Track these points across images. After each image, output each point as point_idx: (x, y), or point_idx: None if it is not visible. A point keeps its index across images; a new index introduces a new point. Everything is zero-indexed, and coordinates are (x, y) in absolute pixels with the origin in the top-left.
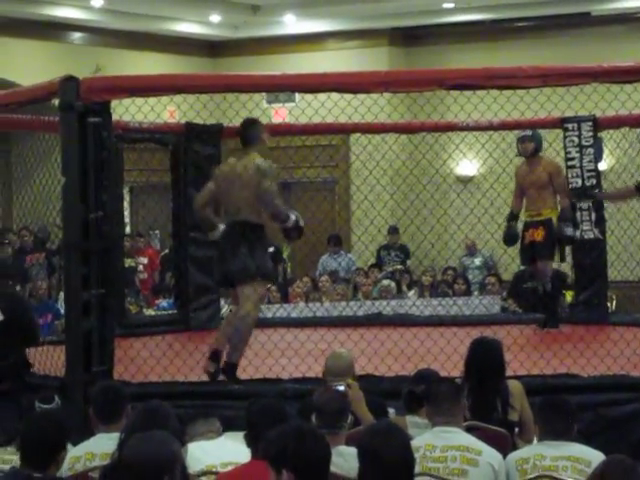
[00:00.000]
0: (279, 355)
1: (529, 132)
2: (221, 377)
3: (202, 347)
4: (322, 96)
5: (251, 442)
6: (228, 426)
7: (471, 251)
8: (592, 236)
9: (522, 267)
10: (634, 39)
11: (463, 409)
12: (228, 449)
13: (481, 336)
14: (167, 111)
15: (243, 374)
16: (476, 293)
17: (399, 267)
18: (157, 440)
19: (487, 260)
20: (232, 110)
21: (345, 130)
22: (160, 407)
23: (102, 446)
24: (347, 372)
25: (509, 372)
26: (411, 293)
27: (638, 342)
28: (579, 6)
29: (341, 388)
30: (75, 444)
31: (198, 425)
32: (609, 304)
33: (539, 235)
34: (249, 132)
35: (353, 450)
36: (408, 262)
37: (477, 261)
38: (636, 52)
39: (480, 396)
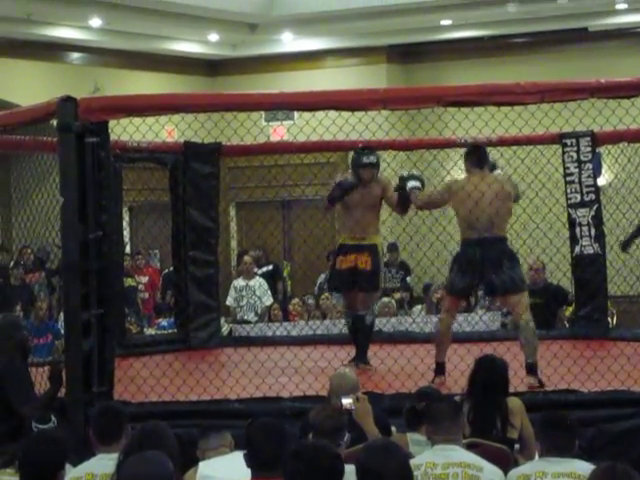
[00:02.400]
0: (279, 374)
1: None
2: None
3: (202, 366)
4: (320, 114)
5: (251, 461)
6: None
7: None
8: (592, 251)
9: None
10: (631, 54)
11: (463, 427)
12: (238, 467)
13: (486, 354)
14: (165, 130)
15: (243, 393)
16: (480, 311)
17: (397, 295)
18: (152, 461)
19: None
20: (230, 129)
21: (343, 148)
22: (158, 427)
23: (102, 467)
24: (352, 391)
25: (510, 389)
26: (417, 308)
27: (639, 357)
28: (576, 22)
29: (349, 401)
30: (75, 465)
31: (210, 440)
32: (609, 319)
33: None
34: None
35: (352, 468)
36: (408, 279)
37: None
38: (633, 67)
39: (481, 413)
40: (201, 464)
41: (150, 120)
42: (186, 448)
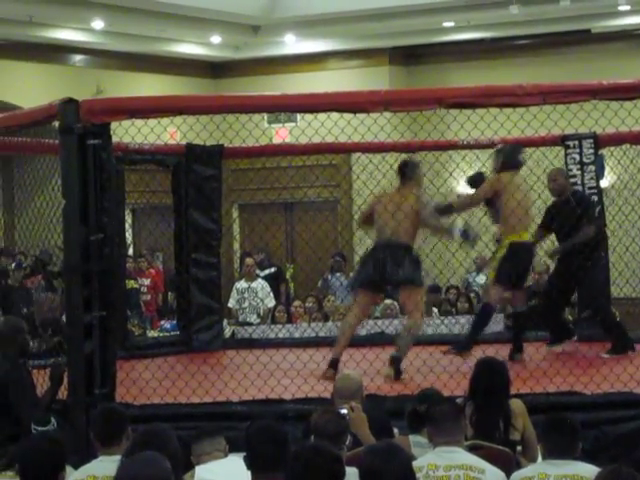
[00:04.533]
0: (281, 376)
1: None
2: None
3: (204, 368)
4: (322, 116)
5: (251, 463)
6: (230, 447)
7: (479, 268)
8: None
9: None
10: (634, 56)
11: (464, 429)
12: (235, 471)
13: (487, 357)
14: (168, 132)
15: (245, 395)
16: None
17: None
18: (150, 462)
19: None
20: (232, 131)
21: (346, 150)
22: (160, 430)
23: (104, 469)
24: (356, 394)
25: (512, 390)
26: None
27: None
28: (579, 23)
29: (344, 411)
30: (77, 467)
31: (204, 444)
32: None
33: None
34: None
35: (354, 470)
36: None
37: (485, 278)
38: (636, 69)
39: (483, 415)
40: (198, 468)
41: (152, 122)
42: (186, 451)
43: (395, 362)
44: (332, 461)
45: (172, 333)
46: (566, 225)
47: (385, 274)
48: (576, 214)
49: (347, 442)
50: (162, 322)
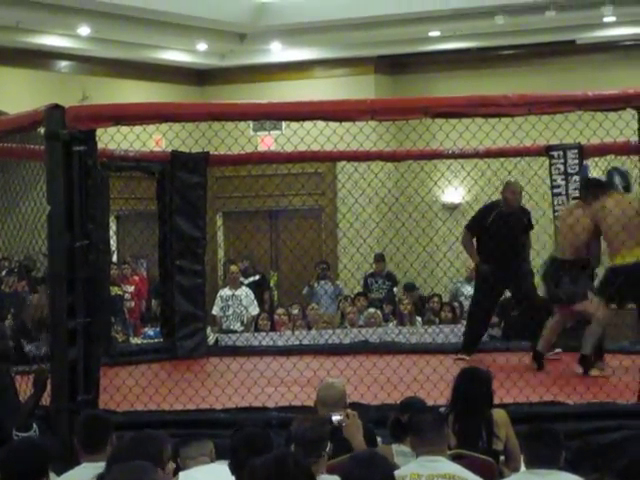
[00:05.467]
0: (265, 383)
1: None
2: None
3: (188, 376)
4: (308, 124)
5: (235, 471)
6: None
7: (469, 278)
8: None
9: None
10: (618, 67)
11: (447, 438)
12: (219, 476)
13: (470, 366)
14: (153, 140)
15: (228, 403)
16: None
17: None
18: (136, 470)
19: None
20: (218, 138)
21: (331, 158)
22: (146, 437)
23: (87, 475)
24: (339, 402)
25: (496, 400)
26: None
27: (624, 369)
28: (564, 34)
29: (339, 418)
30: (60, 473)
31: (191, 448)
32: None
33: None
34: None
35: (335, 478)
36: (395, 289)
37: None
38: (620, 80)
39: (466, 425)
40: (181, 474)
41: (138, 129)
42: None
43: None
44: (305, 472)
45: (156, 340)
46: (513, 234)
47: None
48: (524, 226)
49: (327, 449)
50: (145, 329)
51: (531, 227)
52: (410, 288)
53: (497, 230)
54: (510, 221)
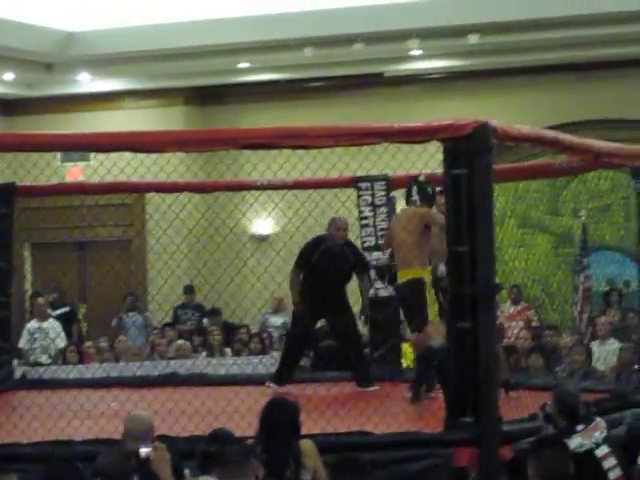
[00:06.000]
0: (72, 416)
1: None
2: None
3: None
4: (115, 155)
5: None
6: None
7: (276, 309)
8: (386, 294)
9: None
10: (424, 99)
11: (255, 470)
12: None
13: (276, 396)
14: None
15: (35, 436)
16: (277, 353)
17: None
18: None
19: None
20: (23, 169)
21: (138, 189)
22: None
23: None
24: (147, 434)
25: (303, 430)
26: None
27: (431, 399)
28: (372, 67)
29: (147, 450)
30: None
31: None
32: (402, 361)
33: None
34: None
35: None
36: (204, 320)
37: (279, 320)
38: (426, 112)
39: (273, 455)
40: None
41: None
42: None
43: None
44: None
45: None
46: (339, 270)
47: None
48: (350, 262)
49: None
50: None
51: (360, 260)
52: (213, 313)
53: (323, 266)
54: (335, 256)
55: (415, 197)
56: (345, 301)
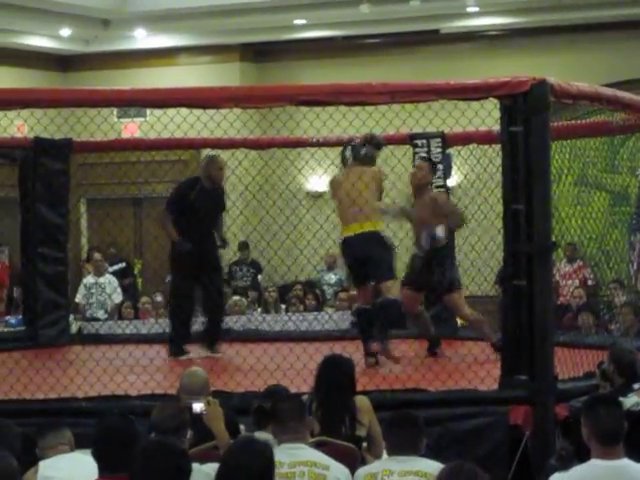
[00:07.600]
0: (128, 372)
1: None
2: None
3: (50, 364)
4: (172, 111)
5: (97, 460)
6: (76, 444)
7: (330, 267)
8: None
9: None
10: (481, 57)
11: (309, 426)
12: (80, 465)
13: (332, 353)
14: (15, 125)
15: (91, 391)
16: (330, 309)
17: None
18: None
19: (341, 277)
20: (80, 125)
21: (194, 145)
22: (3, 425)
23: None
24: (202, 390)
25: (359, 387)
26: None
27: (485, 357)
28: (428, 24)
29: (199, 405)
30: None
31: (48, 438)
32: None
33: None
34: None
35: (197, 467)
36: (259, 277)
37: (334, 277)
38: (483, 70)
39: (329, 412)
40: (41, 464)
41: None
42: (29, 446)
43: None
44: (178, 457)
45: (17, 328)
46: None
47: None
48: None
49: (187, 436)
50: (7, 317)
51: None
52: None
53: (200, 207)
54: (213, 198)
55: (349, 157)
56: (218, 256)
